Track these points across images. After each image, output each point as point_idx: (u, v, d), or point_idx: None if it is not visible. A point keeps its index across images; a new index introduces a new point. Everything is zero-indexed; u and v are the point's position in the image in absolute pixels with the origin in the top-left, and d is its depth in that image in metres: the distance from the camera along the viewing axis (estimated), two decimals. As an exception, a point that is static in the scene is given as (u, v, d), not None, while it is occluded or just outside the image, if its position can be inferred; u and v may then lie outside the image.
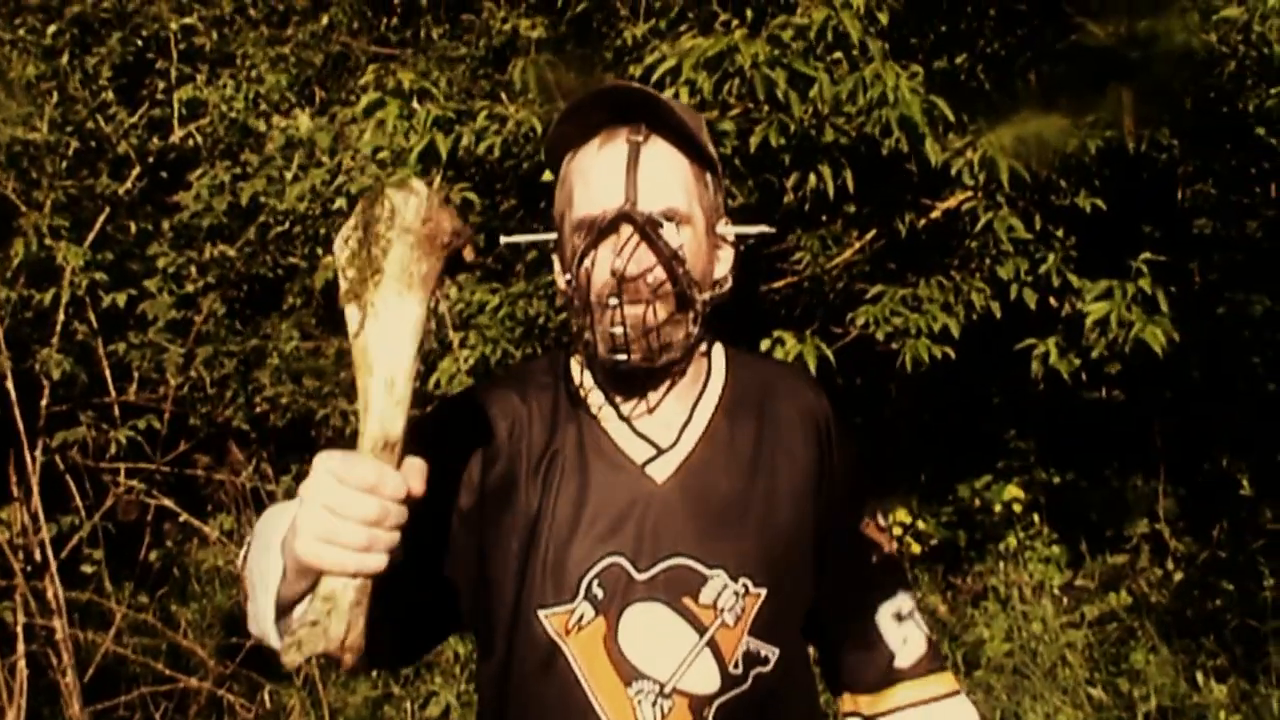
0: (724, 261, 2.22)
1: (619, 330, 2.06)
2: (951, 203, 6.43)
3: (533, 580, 2.14)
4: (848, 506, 2.27)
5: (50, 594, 6.38)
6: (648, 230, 2.05)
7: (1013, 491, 8.03)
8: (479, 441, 2.18)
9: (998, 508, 8.05)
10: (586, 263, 2.09)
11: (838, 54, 5.70)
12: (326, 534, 1.56)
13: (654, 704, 2.08)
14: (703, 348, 2.26)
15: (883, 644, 2.29)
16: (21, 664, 6.17)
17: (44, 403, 6.48)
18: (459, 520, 2.14)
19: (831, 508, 2.23)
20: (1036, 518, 8.06)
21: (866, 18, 5.62)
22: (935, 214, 6.51)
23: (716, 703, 2.09)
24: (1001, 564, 7.79)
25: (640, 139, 2.10)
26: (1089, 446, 8.35)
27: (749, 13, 6.07)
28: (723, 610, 2.09)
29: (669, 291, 2.07)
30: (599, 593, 2.11)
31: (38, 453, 6.48)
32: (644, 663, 2.09)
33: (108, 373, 6.70)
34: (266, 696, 6.67)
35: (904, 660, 2.29)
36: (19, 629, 6.14)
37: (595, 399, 2.22)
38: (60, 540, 6.54)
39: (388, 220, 1.57)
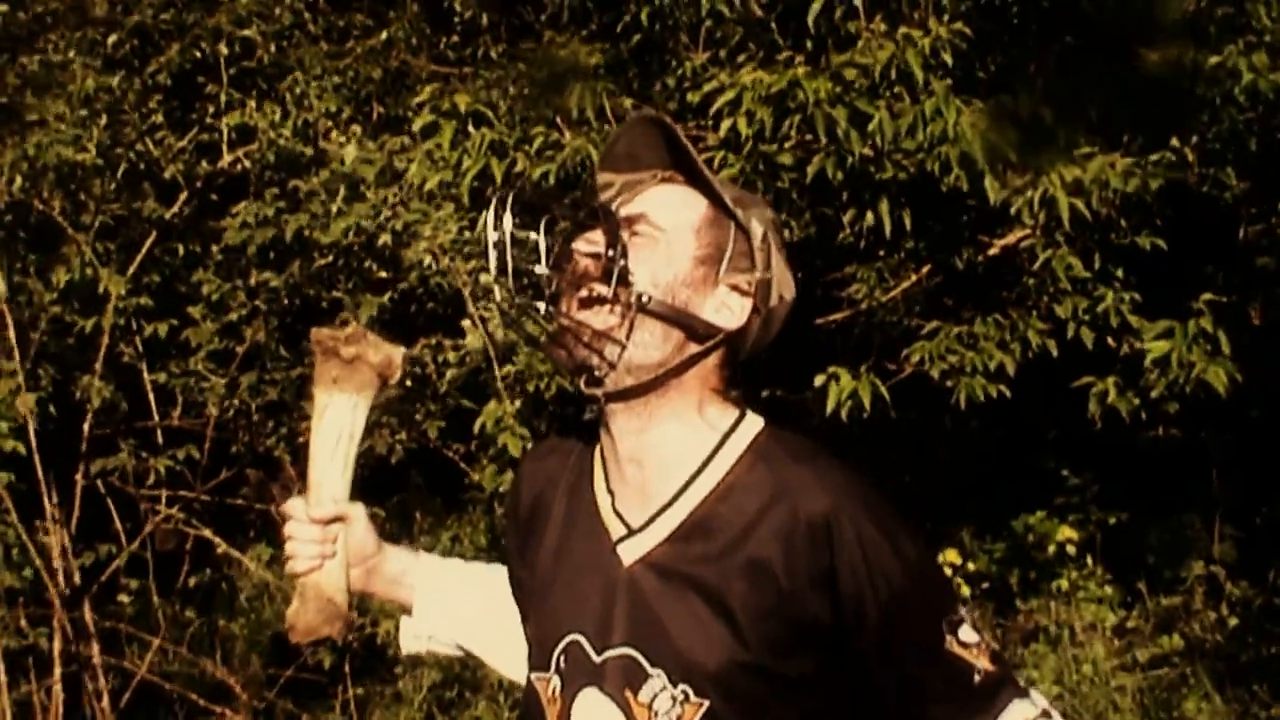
0: (728, 309, 2.12)
1: (566, 310, 2.07)
2: (1010, 240, 6.51)
3: (529, 642, 2.27)
4: (902, 631, 2.02)
5: (87, 620, 6.50)
6: (606, 216, 2.06)
7: (1066, 532, 8.05)
8: (516, 513, 2.41)
9: (1051, 546, 8.10)
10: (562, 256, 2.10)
11: (899, 88, 5.81)
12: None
13: None
14: (716, 418, 2.14)
15: None
16: (57, 688, 6.27)
17: (86, 428, 6.58)
18: (514, 589, 2.40)
19: (867, 634, 2.00)
20: (1090, 558, 8.11)
21: (931, 56, 5.73)
22: (993, 251, 6.60)
23: None
24: (1053, 604, 7.84)
25: (659, 177, 2.16)
26: (1145, 486, 8.33)
27: (809, 44, 6.18)
28: (657, 713, 2.03)
29: (596, 278, 2.06)
30: (565, 668, 2.14)
31: (78, 478, 6.59)
32: None
33: (152, 399, 6.79)
34: (303, 727, 6.78)
35: None
36: (55, 654, 6.24)
37: (597, 457, 2.23)
38: (98, 567, 6.64)
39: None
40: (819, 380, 6.12)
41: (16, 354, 6.19)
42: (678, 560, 2.07)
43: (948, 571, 7.90)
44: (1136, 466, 8.39)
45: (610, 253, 2.02)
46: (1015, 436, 8.71)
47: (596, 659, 2.09)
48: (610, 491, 2.18)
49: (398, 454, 7.12)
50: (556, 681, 2.15)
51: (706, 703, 2.00)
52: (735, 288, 2.13)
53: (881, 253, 6.70)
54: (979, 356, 6.28)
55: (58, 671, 6.24)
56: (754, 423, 2.16)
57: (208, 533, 6.80)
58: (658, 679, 2.03)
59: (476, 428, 6.37)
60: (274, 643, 7.58)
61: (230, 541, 6.93)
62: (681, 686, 2.01)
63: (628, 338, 2.06)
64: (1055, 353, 6.39)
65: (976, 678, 2.02)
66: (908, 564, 2.01)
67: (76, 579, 6.54)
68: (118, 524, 6.74)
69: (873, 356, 6.60)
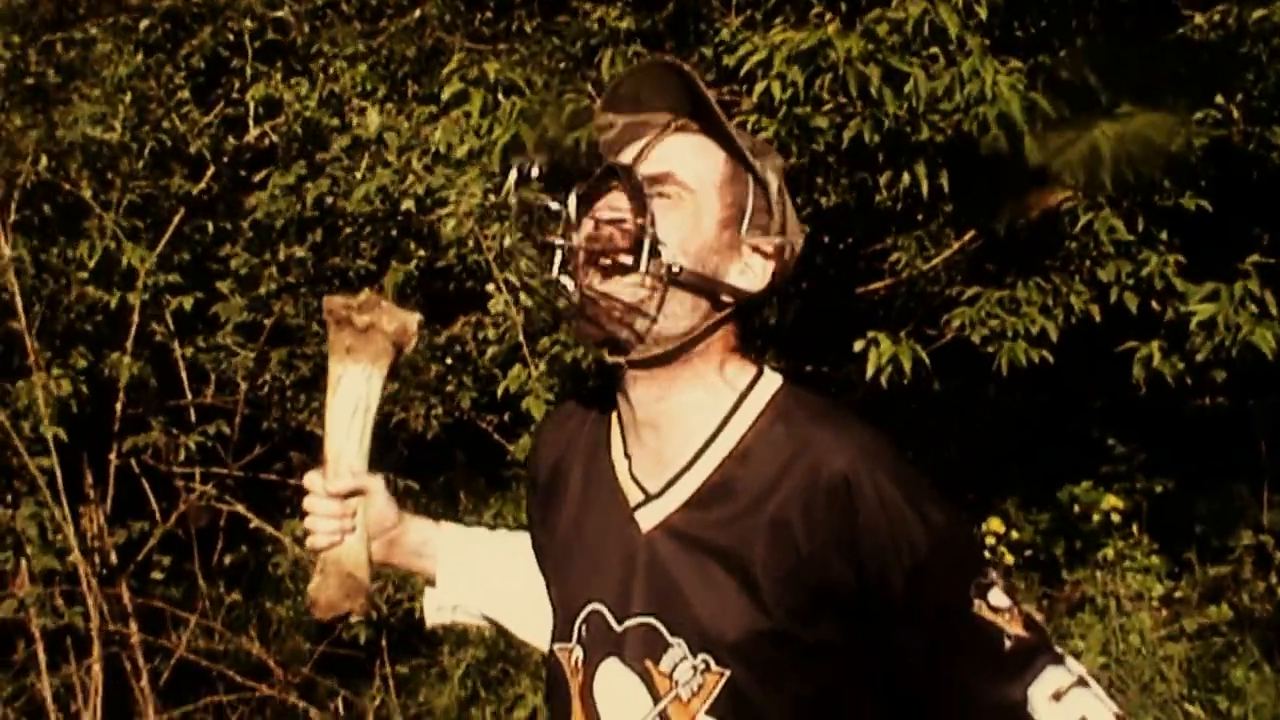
0: (751, 271, 2.07)
1: (572, 284, 2.03)
2: (1051, 202, 6.47)
3: (553, 613, 2.23)
4: (928, 595, 1.96)
5: (125, 599, 6.52)
6: (630, 179, 2.00)
7: (1112, 500, 8.01)
8: (535, 478, 2.39)
9: (1097, 516, 8.05)
10: (575, 220, 2.05)
11: (934, 49, 5.75)
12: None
13: None
14: (734, 377, 2.09)
15: None
16: (97, 668, 6.28)
17: (119, 406, 6.59)
18: (538, 556, 2.37)
19: (890, 598, 1.94)
20: (1136, 527, 8.05)
21: (965, 11, 5.67)
22: (1034, 214, 6.55)
23: None
24: (1099, 574, 7.80)
25: (672, 125, 2.08)
26: (1192, 454, 8.30)
27: (843, 6, 6.14)
28: (678, 683, 1.99)
29: (624, 249, 1.99)
30: (586, 638, 2.11)
31: (112, 457, 6.61)
32: None
33: (184, 375, 6.79)
34: (340, 705, 6.79)
35: None
36: (94, 633, 6.26)
37: (614, 422, 2.20)
38: (131, 545, 6.65)
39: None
40: (858, 345, 6.07)
41: (34, 347, 6.18)
42: (696, 526, 2.03)
43: (990, 541, 7.88)
44: (1183, 435, 8.36)
45: (640, 222, 1.97)
46: (1059, 404, 8.67)
47: (617, 628, 2.06)
48: (627, 456, 2.14)
49: (433, 428, 7.12)
50: (579, 652, 2.12)
51: (727, 672, 1.96)
52: (757, 249, 2.08)
53: (920, 217, 6.65)
54: (1021, 321, 6.26)
55: (97, 650, 6.24)
56: (772, 380, 2.11)
57: (241, 508, 6.79)
58: (678, 648, 1.99)
59: (500, 391, 6.33)
60: (311, 619, 7.57)
61: (265, 518, 6.90)
62: (702, 656, 1.98)
63: (659, 310, 2.00)
64: (1098, 317, 6.34)
65: (1007, 643, 1.95)
66: (931, 525, 1.95)
67: (113, 558, 6.56)
68: (153, 502, 6.74)
69: (913, 322, 6.55)
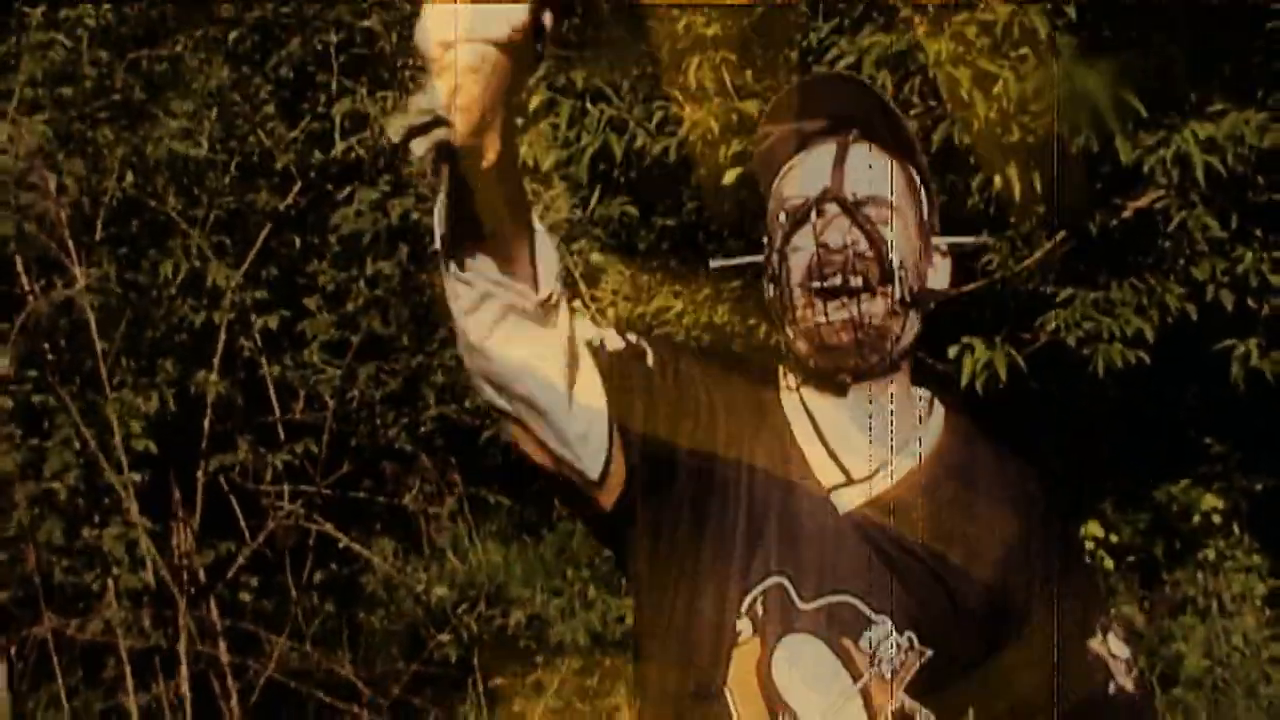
0: (939, 274, 2.25)
1: (820, 313, 2.10)
2: (1144, 202, 6.54)
3: (703, 581, 2.18)
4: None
5: (213, 618, 6.65)
6: (851, 208, 2.09)
7: (1211, 500, 8.04)
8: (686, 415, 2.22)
9: (1196, 516, 8.09)
10: (788, 248, 2.14)
11: (1024, 49, 5.85)
12: None
13: None
14: (917, 389, 2.30)
15: None
16: (185, 688, 6.43)
17: (206, 423, 6.72)
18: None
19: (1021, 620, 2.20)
20: (1237, 526, 8.10)
21: (1053, 11, 5.76)
22: (1127, 213, 6.62)
23: None
24: (1200, 574, 7.85)
25: (850, 139, 2.16)
26: (1290, 452, 8.33)
27: (931, 10, 6.23)
28: (881, 660, 2.08)
29: (873, 262, 2.09)
30: (760, 611, 2.12)
31: (199, 475, 6.75)
32: (792, 696, 2.08)
33: (273, 392, 6.92)
34: (432, 723, 6.90)
35: None
36: (182, 653, 6.39)
37: (794, 409, 2.24)
38: (220, 563, 6.78)
39: None
40: (952, 351, 6.17)
41: (106, 369, 6.30)
42: (902, 510, 2.15)
43: (1090, 546, 7.92)
44: (1280, 432, 8.36)
45: (875, 249, 2.10)
46: (1156, 404, 8.69)
47: (803, 605, 2.12)
48: (823, 441, 2.21)
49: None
50: (745, 625, 2.13)
51: (930, 652, 2.11)
52: (938, 249, 2.27)
53: (1013, 220, 6.72)
54: (1116, 322, 6.31)
55: (184, 670, 6.37)
56: (941, 402, 2.34)
57: (329, 528, 6.90)
58: (882, 626, 2.10)
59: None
60: (402, 637, 7.67)
61: (354, 536, 7.02)
62: (908, 634, 2.10)
63: (903, 331, 2.17)
64: (1194, 316, 6.41)
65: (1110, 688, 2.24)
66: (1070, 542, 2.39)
67: (201, 577, 6.69)
68: (241, 521, 6.86)
69: (1007, 326, 6.63)
